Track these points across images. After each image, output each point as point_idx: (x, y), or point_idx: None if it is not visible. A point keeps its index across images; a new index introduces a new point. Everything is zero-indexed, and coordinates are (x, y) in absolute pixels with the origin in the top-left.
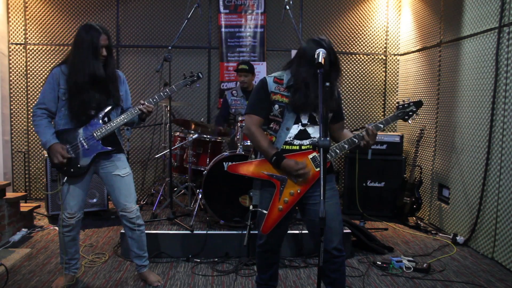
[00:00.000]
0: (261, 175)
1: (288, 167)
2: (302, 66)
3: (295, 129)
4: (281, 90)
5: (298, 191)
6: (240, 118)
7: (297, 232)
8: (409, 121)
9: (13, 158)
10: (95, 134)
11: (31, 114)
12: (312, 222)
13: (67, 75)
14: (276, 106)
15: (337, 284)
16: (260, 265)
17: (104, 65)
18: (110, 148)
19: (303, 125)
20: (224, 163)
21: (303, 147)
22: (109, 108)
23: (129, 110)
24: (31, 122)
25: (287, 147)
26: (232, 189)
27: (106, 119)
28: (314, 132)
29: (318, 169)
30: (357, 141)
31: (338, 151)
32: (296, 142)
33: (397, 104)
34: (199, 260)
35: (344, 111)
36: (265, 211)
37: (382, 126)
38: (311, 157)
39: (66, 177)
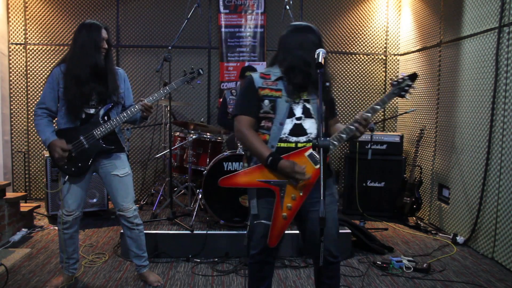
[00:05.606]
0: (256, 183)
1: (286, 168)
2: (292, 50)
3: (289, 123)
4: (269, 84)
5: (301, 194)
6: None
7: (297, 232)
8: (407, 97)
9: (13, 158)
10: (95, 133)
11: (33, 114)
12: (314, 234)
13: (65, 71)
14: (266, 102)
15: None
16: (252, 279)
17: (104, 58)
18: (110, 147)
19: (297, 118)
20: (224, 163)
21: (299, 145)
22: (109, 106)
23: (130, 108)
24: (31, 122)
25: (283, 144)
26: (232, 189)
27: (106, 117)
28: (310, 127)
29: (317, 166)
30: (353, 128)
31: (336, 142)
32: (292, 139)
33: (391, 81)
34: (199, 260)
35: (344, 111)
36: (268, 222)
37: (379, 107)
38: (307, 154)
39: (67, 176)
